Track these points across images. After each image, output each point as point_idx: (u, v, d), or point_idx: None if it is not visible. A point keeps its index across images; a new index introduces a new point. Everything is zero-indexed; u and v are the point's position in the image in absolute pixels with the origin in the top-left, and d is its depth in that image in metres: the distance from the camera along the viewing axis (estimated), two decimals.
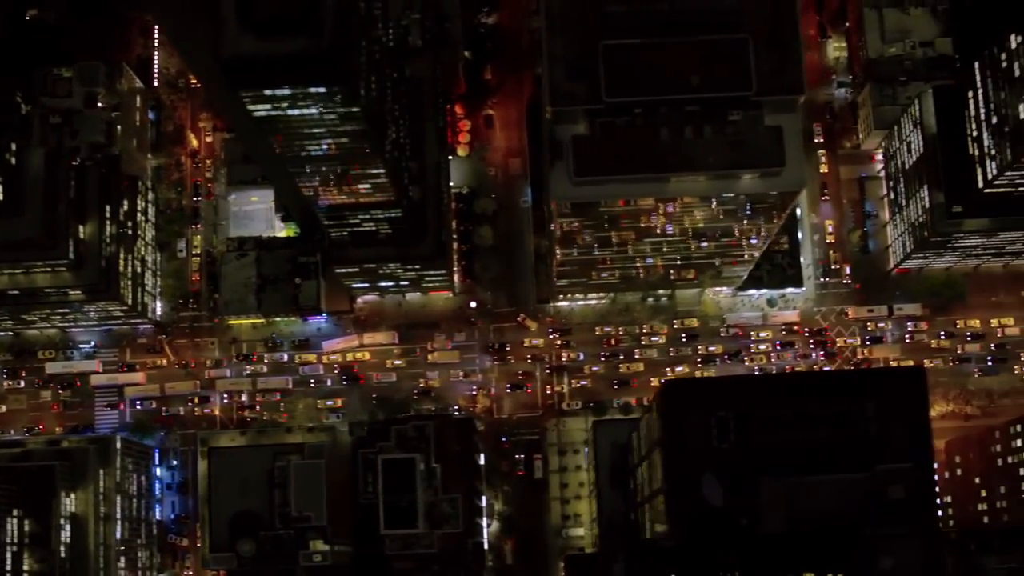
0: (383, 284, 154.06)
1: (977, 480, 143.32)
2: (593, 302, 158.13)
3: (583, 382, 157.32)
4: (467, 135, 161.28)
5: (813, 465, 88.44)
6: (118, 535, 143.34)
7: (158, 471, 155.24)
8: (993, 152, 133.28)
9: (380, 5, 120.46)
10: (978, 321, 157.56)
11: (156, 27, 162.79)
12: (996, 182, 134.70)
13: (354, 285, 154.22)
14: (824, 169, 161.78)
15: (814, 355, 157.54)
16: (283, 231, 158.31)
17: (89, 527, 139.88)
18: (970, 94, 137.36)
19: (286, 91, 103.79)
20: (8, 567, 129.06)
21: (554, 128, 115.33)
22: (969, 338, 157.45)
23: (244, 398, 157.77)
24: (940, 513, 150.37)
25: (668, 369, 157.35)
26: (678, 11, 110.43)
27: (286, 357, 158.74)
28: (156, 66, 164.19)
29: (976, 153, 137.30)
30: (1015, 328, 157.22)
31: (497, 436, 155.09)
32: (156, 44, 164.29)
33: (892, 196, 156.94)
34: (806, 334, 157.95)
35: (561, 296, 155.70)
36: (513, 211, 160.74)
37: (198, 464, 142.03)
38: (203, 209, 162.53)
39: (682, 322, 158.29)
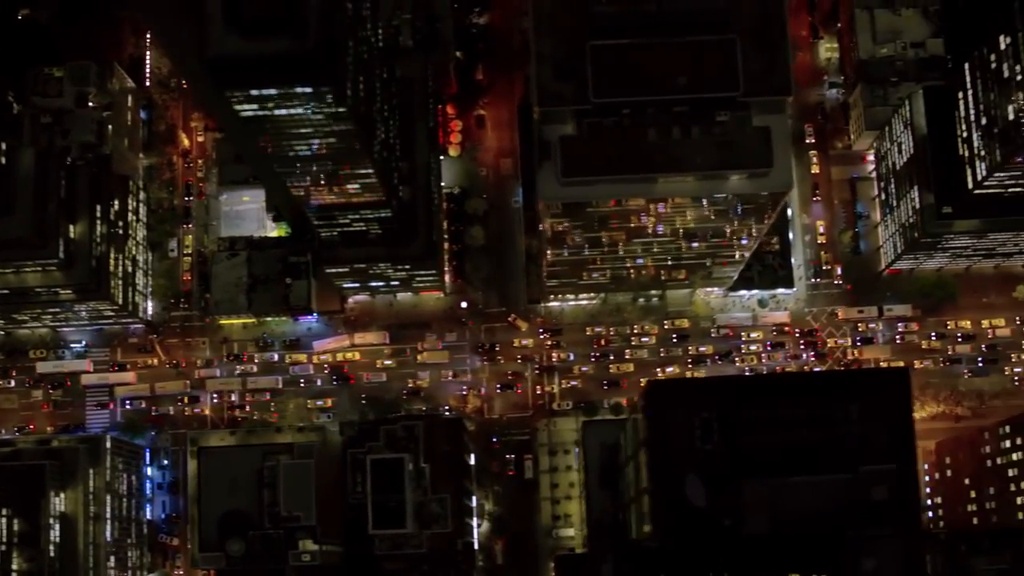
0: (374, 284, 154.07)
1: (967, 481, 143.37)
2: (584, 302, 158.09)
3: (573, 382, 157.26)
4: (458, 135, 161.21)
5: (796, 466, 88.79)
6: (108, 535, 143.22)
7: (148, 471, 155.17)
8: (983, 153, 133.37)
9: (369, 5, 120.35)
10: (969, 322, 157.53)
11: (147, 27, 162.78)
12: (986, 183, 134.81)
13: (345, 285, 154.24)
14: (815, 170, 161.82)
15: (805, 356, 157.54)
16: (274, 231, 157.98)
17: (79, 526, 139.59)
18: (960, 95, 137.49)
19: (272, 91, 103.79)
20: None
21: (542, 128, 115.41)
22: (960, 339, 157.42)
23: (234, 398, 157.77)
24: (930, 514, 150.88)
25: (659, 370, 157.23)
26: (666, 12, 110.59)
27: (276, 357, 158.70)
28: (147, 66, 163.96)
29: (966, 154, 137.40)
30: (1006, 329, 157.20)
31: (487, 436, 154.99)
32: (148, 44, 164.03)
33: (883, 197, 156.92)
34: (797, 335, 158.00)
35: (552, 296, 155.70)
36: (504, 211, 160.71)
37: (188, 464, 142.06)
38: (194, 209, 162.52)
39: (673, 323, 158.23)
